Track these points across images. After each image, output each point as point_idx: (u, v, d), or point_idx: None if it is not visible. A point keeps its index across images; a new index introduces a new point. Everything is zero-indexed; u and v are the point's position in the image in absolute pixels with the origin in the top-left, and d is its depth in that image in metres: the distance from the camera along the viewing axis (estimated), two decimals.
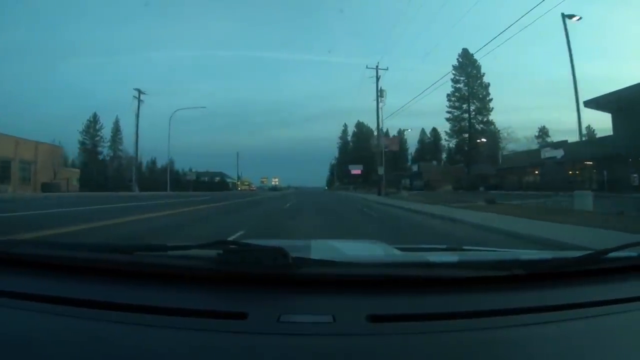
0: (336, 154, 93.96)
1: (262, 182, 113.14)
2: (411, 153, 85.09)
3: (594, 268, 0.91)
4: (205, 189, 54.86)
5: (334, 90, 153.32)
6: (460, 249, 1.56)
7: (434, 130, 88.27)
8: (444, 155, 74.30)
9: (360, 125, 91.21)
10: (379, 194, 30.30)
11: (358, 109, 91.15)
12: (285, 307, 0.74)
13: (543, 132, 57.31)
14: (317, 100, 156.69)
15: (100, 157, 60.90)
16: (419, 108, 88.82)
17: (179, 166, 70.85)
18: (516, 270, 0.85)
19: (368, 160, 73.55)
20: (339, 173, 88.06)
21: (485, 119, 54.77)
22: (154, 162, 68.95)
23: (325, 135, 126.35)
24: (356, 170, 63.08)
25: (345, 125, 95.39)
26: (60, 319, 0.72)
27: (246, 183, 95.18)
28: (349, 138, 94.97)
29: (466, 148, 53.20)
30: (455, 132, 56.46)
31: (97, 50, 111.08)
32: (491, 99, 54.99)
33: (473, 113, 55.01)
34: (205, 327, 0.68)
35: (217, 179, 74.47)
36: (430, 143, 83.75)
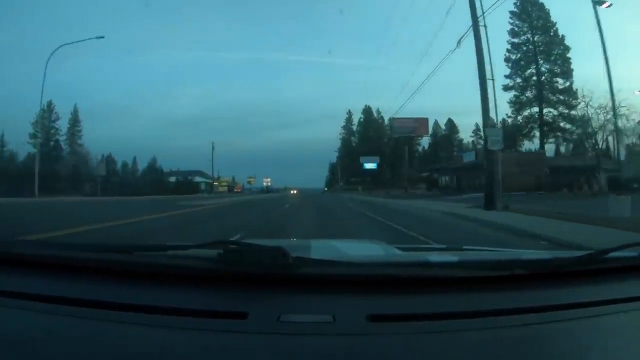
0: (340, 148, 76.55)
1: (249, 182, 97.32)
2: (417, 151, 69.30)
3: (594, 268, 0.91)
4: (138, 192, 35.47)
5: (332, 91, 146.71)
6: (460, 249, 1.55)
7: (450, 121, 71.94)
8: (455, 150, 63.78)
9: (368, 112, 73.85)
10: (490, 205, 12.08)
11: (359, 109, 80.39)
12: (285, 306, 0.74)
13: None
14: (315, 101, 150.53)
15: (63, 152, 55.61)
16: (431, 98, 73.53)
17: (165, 166, 68.51)
18: (516, 270, 0.86)
19: (379, 153, 56.58)
20: (343, 169, 70.44)
21: (565, 85, 37.53)
22: (134, 162, 67.64)
23: (324, 136, 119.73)
24: (371, 164, 45.86)
25: (350, 113, 78.06)
26: (60, 318, 0.72)
27: (224, 184, 77.71)
28: (355, 128, 77.54)
29: (540, 125, 35.85)
30: (520, 104, 39.09)
31: (96, 50, 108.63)
32: (570, 58, 37.88)
33: (545, 77, 37.77)
34: (205, 327, 0.68)
35: (174, 178, 56.99)
36: (444, 136, 68.04)
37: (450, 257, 1.30)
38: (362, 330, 0.67)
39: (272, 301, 0.76)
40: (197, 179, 65.23)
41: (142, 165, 71.85)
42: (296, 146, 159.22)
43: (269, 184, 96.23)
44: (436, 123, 74.23)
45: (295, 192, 55.05)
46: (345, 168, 69.63)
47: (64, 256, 0.95)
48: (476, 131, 76.36)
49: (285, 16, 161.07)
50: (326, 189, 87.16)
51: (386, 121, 64.90)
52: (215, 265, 0.80)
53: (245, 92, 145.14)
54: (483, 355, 0.63)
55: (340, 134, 77.50)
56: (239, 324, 0.68)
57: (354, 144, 76.36)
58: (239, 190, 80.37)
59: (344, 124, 78.13)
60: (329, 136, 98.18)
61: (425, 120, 46.70)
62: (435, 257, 1.24)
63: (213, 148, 59.69)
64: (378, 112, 73.93)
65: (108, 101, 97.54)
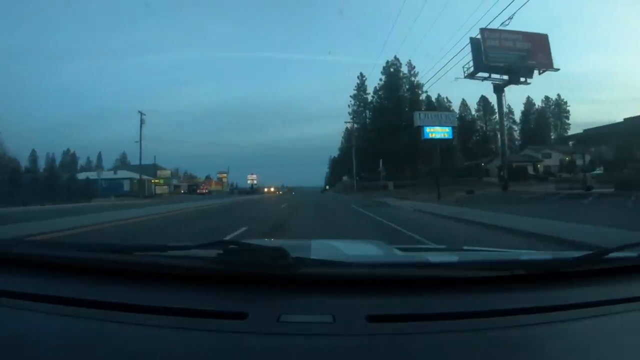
0: (353, 118, 52.61)
1: (220, 178, 75.03)
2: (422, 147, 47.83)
3: (594, 268, 0.91)
4: None
5: (332, 88, 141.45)
6: (460, 249, 1.56)
7: (483, 99, 50.25)
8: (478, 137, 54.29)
9: (392, 68, 50.06)
10: None
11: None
12: (285, 307, 0.75)
13: None
14: (314, 99, 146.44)
15: None
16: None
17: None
18: (516, 271, 0.86)
19: (408, 131, 34.05)
20: (359, 153, 46.29)
21: None
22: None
23: (324, 134, 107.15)
24: (440, 132, 22.53)
25: (362, 76, 54.14)
26: (60, 318, 0.72)
27: (161, 181, 54.05)
28: (370, 98, 53.66)
29: None
30: None
31: (98, 52, 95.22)
32: None
33: None
34: (205, 327, 0.68)
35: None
36: (468, 122, 55.21)
37: (450, 257, 1.31)
38: (362, 330, 0.67)
39: (272, 301, 0.76)
40: (121, 173, 41.87)
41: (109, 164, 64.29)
42: (294, 144, 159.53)
43: (255, 182, 75.33)
44: (463, 103, 56.91)
45: (273, 189, 32.36)
46: (361, 152, 45.86)
47: (64, 256, 0.95)
48: (507, 114, 56.56)
49: (279, 15, 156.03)
50: (327, 187, 75.96)
51: (420, 81, 39.96)
52: (215, 265, 0.81)
53: (241, 90, 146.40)
54: (483, 356, 0.63)
55: (349, 106, 53.81)
56: (238, 324, 0.68)
57: (368, 120, 52.46)
58: (206, 191, 58.06)
59: (355, 92, 54.38)
60: (328, 134, 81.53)
61: (544, 37, 23.00)
62: (435, 257, 1.25)
63: (142, 122, 36.32)
64: (410, 65, 49.86)
65: (107, 101, 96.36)
